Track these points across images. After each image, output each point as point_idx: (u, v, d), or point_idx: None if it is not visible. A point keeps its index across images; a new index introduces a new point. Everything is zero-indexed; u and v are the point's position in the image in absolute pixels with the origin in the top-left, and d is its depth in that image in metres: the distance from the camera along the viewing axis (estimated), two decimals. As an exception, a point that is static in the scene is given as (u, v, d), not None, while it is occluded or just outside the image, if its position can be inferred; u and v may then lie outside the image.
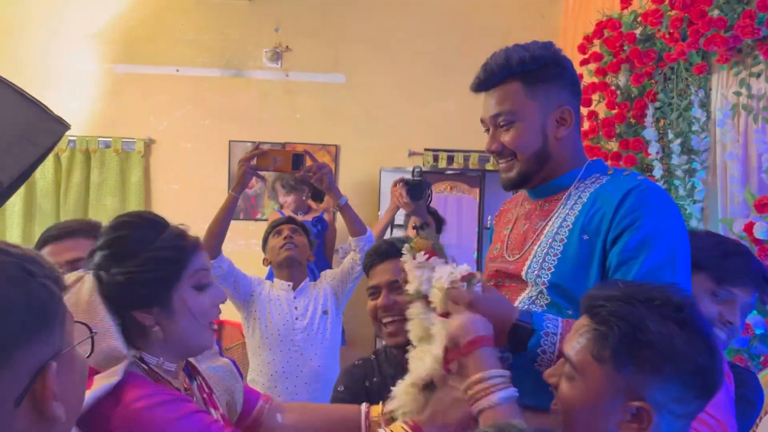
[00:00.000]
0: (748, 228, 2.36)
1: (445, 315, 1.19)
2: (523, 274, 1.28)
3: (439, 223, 3.45)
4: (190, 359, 1.23)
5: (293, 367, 2.43)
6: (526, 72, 1.28)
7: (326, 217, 3.84)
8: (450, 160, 4.24)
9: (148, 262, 1.09)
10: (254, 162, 2.15)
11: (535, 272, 1.26)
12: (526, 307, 1.25)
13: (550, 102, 1.29)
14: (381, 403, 1.36)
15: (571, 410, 0.96)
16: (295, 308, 2.49)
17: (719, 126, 2.66)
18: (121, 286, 1.08)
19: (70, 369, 0.71)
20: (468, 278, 1.16)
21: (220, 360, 1.32)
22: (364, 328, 4.23)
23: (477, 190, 4.03)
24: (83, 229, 1.56)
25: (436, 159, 4.21)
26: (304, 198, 3.81)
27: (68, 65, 4.19)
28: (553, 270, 1.24)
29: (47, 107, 1.99)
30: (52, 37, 4.18)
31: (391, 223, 3.48)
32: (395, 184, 2.92)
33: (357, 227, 2.41)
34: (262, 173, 2.22)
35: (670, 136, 2.81)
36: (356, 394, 1.63)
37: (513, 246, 1.36)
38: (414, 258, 1.25)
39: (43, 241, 1.56)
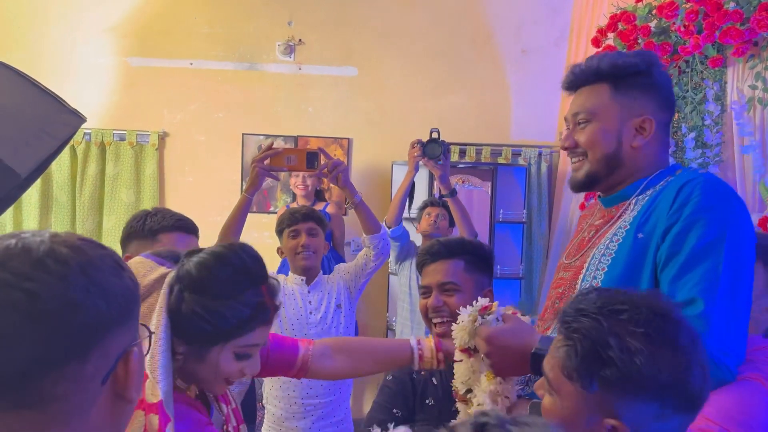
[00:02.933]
0: (763, 222, 2.34)
1: (466, 350, 1.25)
2: (579, 278, 1.28)
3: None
4: None
5: (307, 361, 2.45)
6: (617, 76, 1.29)
7: (330, 209, 3.84)
8: (462, 153, 4.24)
9: (215, 315, 1.04)
10: (268, 162, 2.12)
11: (591, 274, 1.26)
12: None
13: (634, 109, 1.29)
14: (431, 336, 1.46)
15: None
16: (309, 302, 2.50)
17: (735, 120, 2.65)
18: (180, 312, 1.04)
19: (140, 359, 0.76)
20: (484, 312, 1.21)
21: None
22: (376, 321, 4.26)
23: (489, 184, 4.02)
24: None
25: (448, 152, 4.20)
26: (319, 186, 3.84)
27: (84, 58, 4.23)
28: (606, 270, 1.23)
29: (63, 100, 2.01)
30: (68, 30, 4.22)
31: (409, 200, 3.46)
32: (413, 146, 2.93)
33: (371, 224, 2.41)
34: (275, 173, 2.19)
35: (684, 129, 2.80)
36: (403, 383, 1.68)
37: (573, 251, 1.37)
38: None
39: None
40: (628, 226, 1.24)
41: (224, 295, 1.05)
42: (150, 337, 0.86)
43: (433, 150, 2.86)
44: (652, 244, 1.20)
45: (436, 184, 3.34)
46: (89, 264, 0.69)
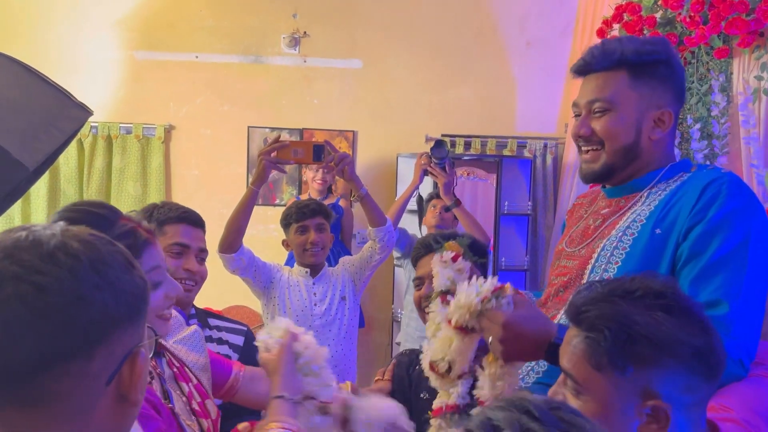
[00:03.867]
0: (767, 214, 2.34)
1: (462, 329, 1.17)
2: (587, 269, 1.25)
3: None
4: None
5: (311, 353, 2.46)
6: (636, 63, 1.24)
7: (342, 203, 3.86)
8: (467, 145, 4.24)
9: None
10: (274, 155, 2.14)
11: (602, 266, 1.23)
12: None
13: (653, 100, 1.25)
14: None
15: None
16: (314, 294, 2.51)
17: (740, 110, 2.64)
18: None
19: (146, 360, 0.74)
20: (497, 293, 1.12)
21: (187, 330, 1.35)
22: (381, 313, 4.28)
23: (494, 176, 4.02)
24: None
25: (453, 144, 4.20)
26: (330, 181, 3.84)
27: (90, 52, 4.24)
28: (619, 264, 1.21)
29: (71, 94, 2.03)
30: (75, 24, 4.23)
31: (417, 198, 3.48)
32: (420, 156, 2.96)
33: (377, 217, 2.42)
34: (282, 165, 2.21)
35: (690, 120, 2.79)
36: (401, 379, 1.68)
37: (577, 239, 1.34)
38: (441, 256, 1.27)
39: None
40: (644, 221, 1.22)
41: None
42: (155, 341, 0.84)
43: (439, 152, 2.89)
44: (671, 241, 1.18)
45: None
46: (100, 260, 0.68)
